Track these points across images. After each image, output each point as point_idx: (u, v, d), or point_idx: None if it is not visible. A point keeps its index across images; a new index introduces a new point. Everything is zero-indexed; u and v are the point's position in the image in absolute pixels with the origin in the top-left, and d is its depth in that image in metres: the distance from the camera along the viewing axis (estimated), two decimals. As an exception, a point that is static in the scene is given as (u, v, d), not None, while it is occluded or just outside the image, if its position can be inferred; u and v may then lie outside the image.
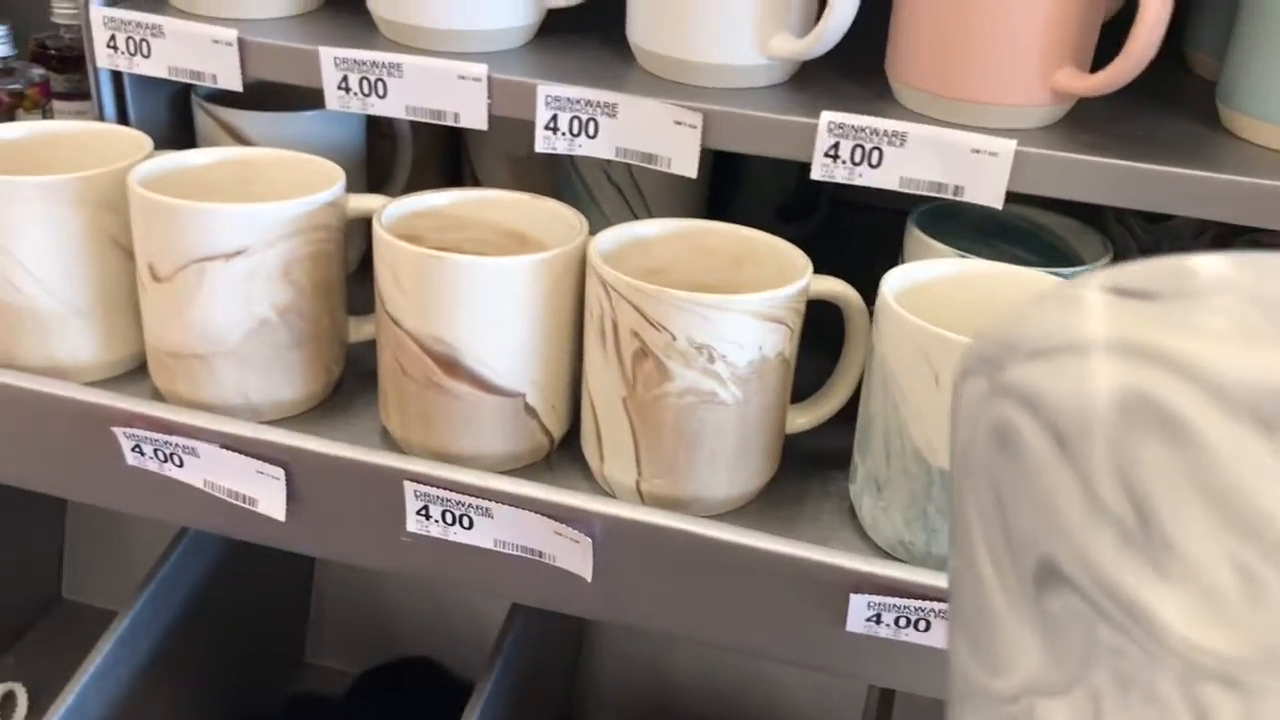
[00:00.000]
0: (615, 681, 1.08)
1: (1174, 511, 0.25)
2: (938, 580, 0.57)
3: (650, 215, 0.84)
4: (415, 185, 0.88)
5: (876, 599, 0.57)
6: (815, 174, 0.65)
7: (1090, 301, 0.27)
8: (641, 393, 0.60)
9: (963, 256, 0.66)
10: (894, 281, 0.60)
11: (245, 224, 0.63)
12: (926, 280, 0.62)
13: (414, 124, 0.86)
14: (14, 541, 1.14)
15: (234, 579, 0.99)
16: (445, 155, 0.96)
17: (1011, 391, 0.28)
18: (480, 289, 0.61)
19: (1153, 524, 0.25)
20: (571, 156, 0.85)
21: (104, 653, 0.86)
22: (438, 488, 0.61)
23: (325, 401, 0.72)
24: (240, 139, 0.79)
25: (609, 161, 0.83)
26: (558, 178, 0.88)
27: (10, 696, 1.04)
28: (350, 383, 0.73)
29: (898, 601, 0.57)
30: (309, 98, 0.77)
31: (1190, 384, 0.25)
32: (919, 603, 0.57)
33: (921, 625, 0.58)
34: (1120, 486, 0.26)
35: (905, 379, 0.57)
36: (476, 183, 0.94)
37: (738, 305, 0.58)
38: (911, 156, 0.64)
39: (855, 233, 0.95)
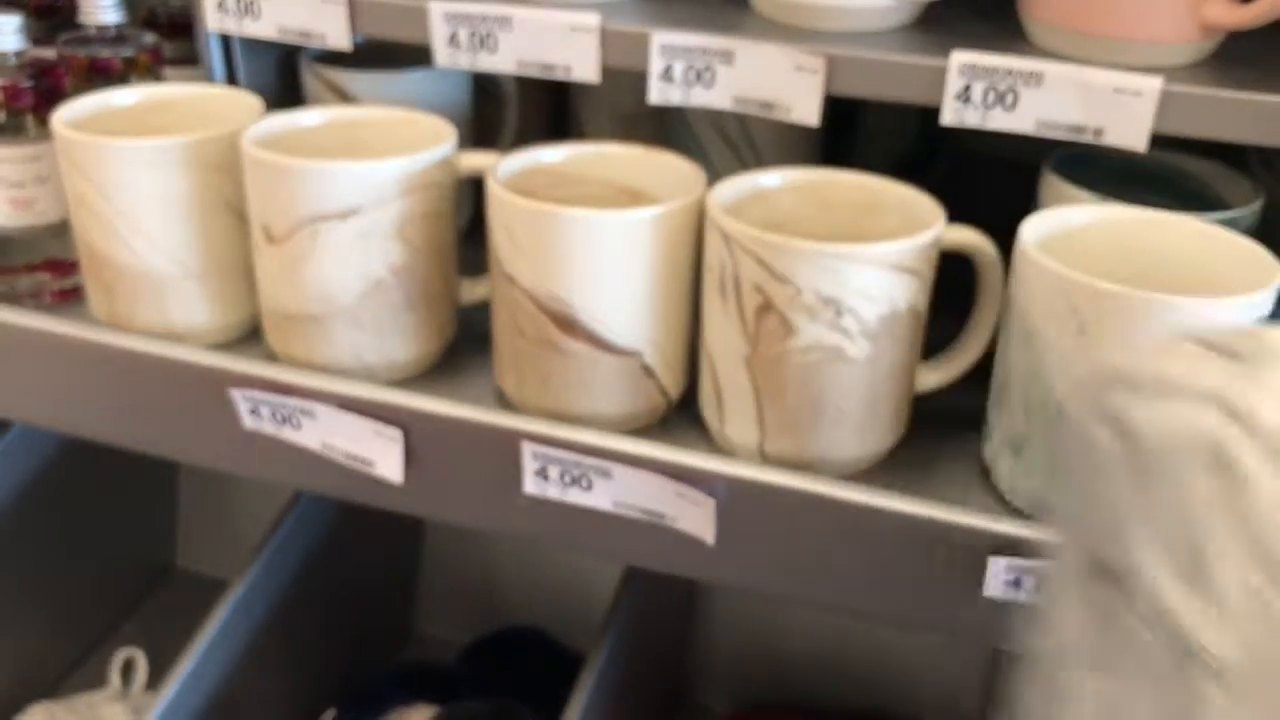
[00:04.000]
0: (726, 650, 1.06)
1: (1214, 538, 0.30)
2: (1084, 543, 0.54)
3: (763, 167, 0.81)
4: (520, 145, 0.87)
5: (1017, 562, 0.54)
6: (945, 119, 0.62)
7: (1187, 354, 0.34)
8: (764, 350, 0.58)
9: (1103, 202, 0.62)
10: (1033, 230, 0.57)
11: (359, 182, 0.62)
12: (1066, 228, 0.59)
13: (520, 83, 0.85)
14: (130, 511, 1.16)
15: (345, 547, 0.99)
16: (550, 115, 0.94)
17: (1107, 415, 0.34)
18: (599, 244, 0.59)
19: (1196, 548, 0.30)
20: (683, 111, 0.82)
21: (220, 620, 0.86)
22: (556, 448, 0.60)
23: (439, 363, 0.71)
24: (348, 99, 0.78)
25: (721, 115, 0.81)
26: (667, 133, 0.85)
27: (130, 662, 1.06)
28: (463, 344, 0.72)
29: (1039, 565, 0.54)
30: (415, 58, 0.76)
31: (1252, 436, 0.30)
32: (1063, 567, 0.54)
33: (1065, 591, 0.55)
34: (1175, 510, 0.31)
35: (1049, 331, 0.54)
36: (582, 140, 0.92)
37: (868, 255, 0.55)
38: (1048, 97, 0.60)
39: (975, 187, 0.91)
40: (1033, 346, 0.55)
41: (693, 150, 0.83)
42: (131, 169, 0.65)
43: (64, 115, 0.68)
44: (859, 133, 0.90)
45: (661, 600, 0.96)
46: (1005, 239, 0.62)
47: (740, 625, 1.06)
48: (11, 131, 0.71)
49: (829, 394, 0.58)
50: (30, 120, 0.71)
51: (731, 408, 0.61)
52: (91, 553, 1.10)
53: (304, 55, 0.80)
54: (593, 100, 0.90)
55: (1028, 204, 0.71)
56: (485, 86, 0.85)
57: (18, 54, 0.71)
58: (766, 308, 0.56)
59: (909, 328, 0.59)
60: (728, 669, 1.07)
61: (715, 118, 0.81)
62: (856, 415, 0.59)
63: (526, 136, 0.87)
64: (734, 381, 0.60)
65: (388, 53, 0.77)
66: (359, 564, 1.04)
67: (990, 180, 0.90)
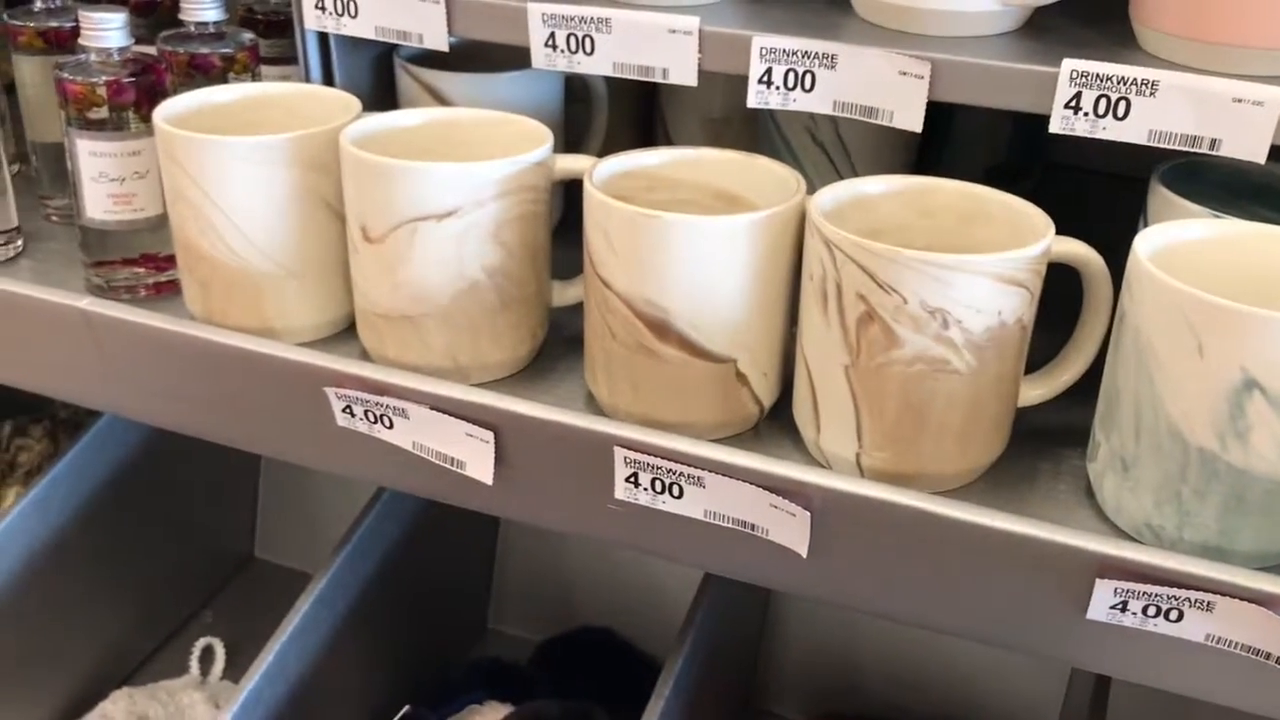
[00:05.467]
0: (799, 657, 1.05)
1: None
2: (1196, 567, 0.52)
3: (854, 172, 0.80)
4: (609, 147, 0.86)
5: (1125, 585, 0.53)
6: (1055, 127, 0.60)
7: None
8: (865, 360, 0.57)
9: (1218, 216, 0.60)
10: (1147, 244, 0.55)
11: (458, 183, 0.62)
12: (1180, 243, 0.57)
13: (608, 84, 0.84)
14: (211, 501, 1.17)
15: (423, 544, 1.00)
16: (639, 117, 0.94)
17: None
18: (696, 249, 0.58)
19: None
20: (773, 115, 0.81)
21: (302, 612, 0.87)
22: (649, 455, 0.59)
23: (530, 365, 0.70)
24: (442, 100, 0.78)
25: (814, 119, 0.80)
26: (758, 138, 0.84)
27: (209, 650, 1.08)
28: (554, 347, 0.72)
29: (1148, 589, 0.53)
30: (508, 59, 0.76)
31: None
32: (1172, 590, 0.53)
33: (1173, 615, 0.53)
34: None
35: (1163, 349, 0.52)
36: (670, 144, 0.91)
37: (977, 266, 0.54)
38: (1162, 107, 0.58)
39: (1069, 197, 0.89)
40: (1145, 364, 0.53)
41: (784, 153, 0.82)
42: (231, 165, 0.66)
43: (166, 111, 0.69)
44: (951, 139, 0.89)
45: (738, 606, 0.96)
46: (1101, 249, 0.60)
47: (814, 632, 1.04)
48: (113, 127, 0.72)
49: (931, 407, 0.57)
50: (132, 116, 0.72)
51: (829, 418, 0.60)
52: (173, 542, 1.12)
53: (398, 55, 0.80)
54: (681, 102, 0.89)
55: (1122, 215, 0.69)
56: (575, 87, 0.85)
57: (121, 51, 0.72)
58: (870, 317, 0.55)
59: (1015, 341, 0.57)
60: (801, 676, 1.06)
61: (807, 121, 0.80)
62: (958, 429, 0.58)
63: (613, 137, 0.87)
64: (832, 391, 0.59)
65: (481, 53, 0.77)
66: (436, 560, 1.04)
67: (1084, 190, 0.88)
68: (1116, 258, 0.60)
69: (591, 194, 0.61)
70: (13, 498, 1.05)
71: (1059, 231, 0.59)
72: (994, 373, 0.57)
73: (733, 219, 0.58)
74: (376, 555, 0.94)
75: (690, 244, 0.58)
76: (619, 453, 0.60)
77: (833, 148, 0.81)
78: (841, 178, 0.80)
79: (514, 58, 0.72)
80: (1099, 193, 0.80)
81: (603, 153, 0.84)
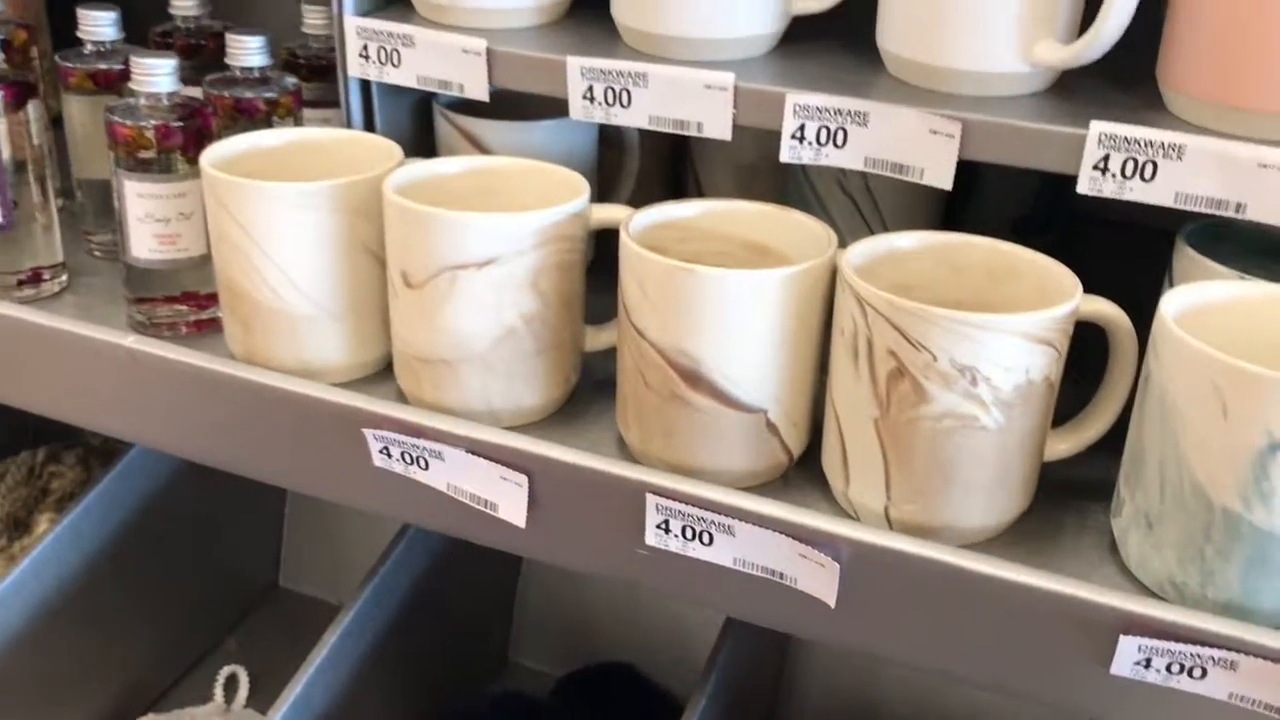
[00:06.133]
0: (819, 701, 1.06)
1: None
2: (1220, 626, 0.53)
3: (885, 226, 0.81)
4: (639, 191, 0.88)
5: (1149, 642, 0.54)
6: (1082, 188, 0.61)
7: None
8: (895, 414, 0.58)
9: (1243, 278, 0.61)
10: (1172, 306, 0.56)
11: (498, 233, 0.63)
12: (1206, 304, 0.58)
13: (640, 132, 0.86)
14: (237, 530, 1.19)
15: (447, 578, 1.01)
16: (669, 162, 0.95)
17: None
18: (730, 302, 0.59)
19: None
20: (803, 165, 0.83)
21: (329, 645, 0.88)
22: (681, 502, 0.60)
23: (562, 409, 0.72)
24: (479, 146, 0.80)
25: (843, 170, 0.81)
26: (786, 186, 0.86)
27: (233, 678, 1.09)
28: (585, 390, 0.73)
29: (1172, 646, 0.54)
30: (543, 106, 0.77)
31: None
32: (1196, 649, 0.53)
33: (1196, 673, 0.54)
34: None
35: (1189, 410, 0.53)
36: (700, 189, 0.93)
37: (1007, 325, 0.55)
38: (1189, 171, 0.60)
39: (1094, 248, 0.90)
40: (1170, 424, 0.54)
41: (812, 202, 0.84)
42: (277, 210, 0.67)
43: (213, 156, 0.71)
44: (977, 190, 0.90)
45: (760, 648, 0.96)
46: (1127, 301, 0.61)
47: (835, 675, 1.05)
48: (160, 169, 0.74)
49: (960, 461, 0.58)
50: (179, 159, 0.74)
51: (858, 470, 0.61)
52: (198, 570, 1.13)
53: (437, 101, 0.82)
54: (711, 150, 0.91)
55: (1147, 267, 0.70)
56: (607, 132, 0.87)
57: (170, 95, 0.74)
58: (900, 373, 0.57)
59: (1042, 397, 0.58)
60: (821, 718, 1.06)
61: (838, 172, 0.82)
62: (986, 484, 0.59)
63: (644, 180, 0.89)
64: (862, 444, 0.60)
65: (517, 100, 0.79)
66: (459, 594, 1.05)
67: (1109, 243, 0.89)
68: (1141, 311, 0.62)
69: (628, 245, 0.62)
70: (45, 523, 1.07)
71: (1084, 282, 0.60)
72: (1021, 429, 0.58)
73: (766, 273, 0.59)
74: (402, 589, 0.95)
75: (724, 297, 0.59)
76: (650, 499, 0.61)
77: (861, 198, 0.82)
78: (869, 227, 0.82)
79: (550, 105, 0.74)
80: (1124, 244, 0.81)
81: (634, 197, 0.87)
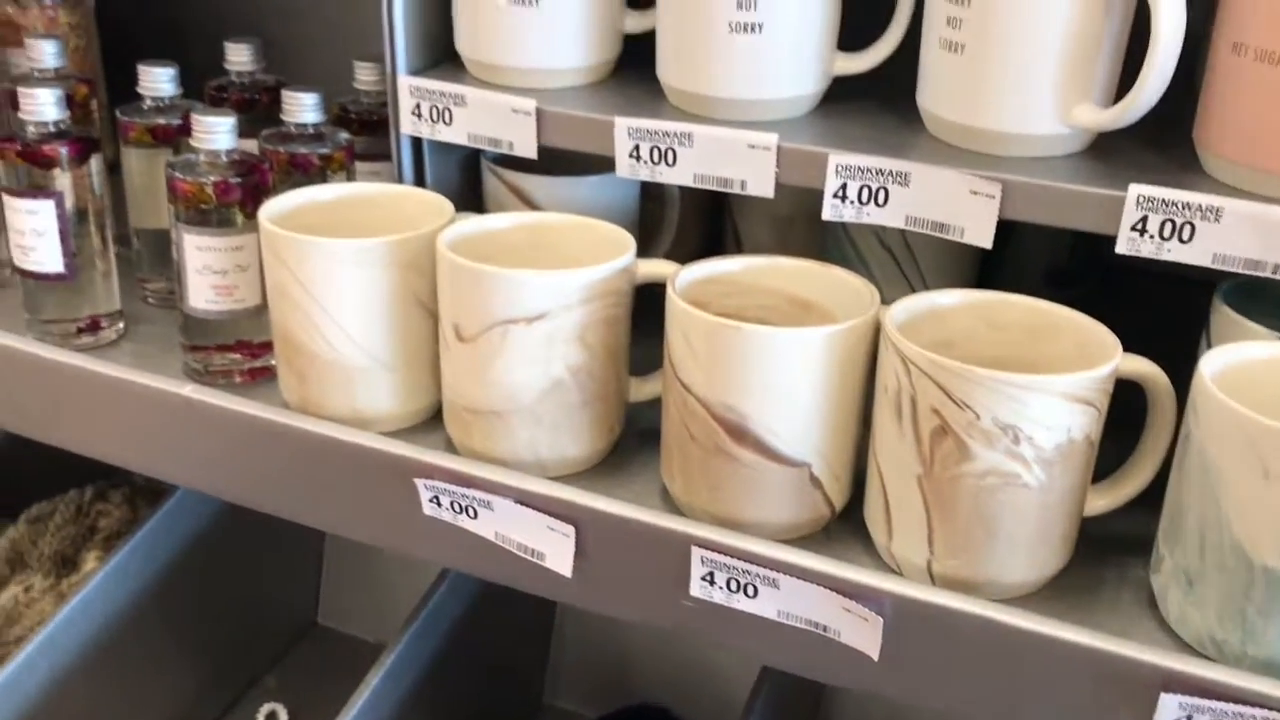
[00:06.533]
0: (854, 746, 1.06)
1: None
2: (1261, 684, 0.54)
3: (923, 279, 0.83)
4: (678, 242, 0.90)
5: (1190, 700, 0.54)
6: (1120, 249, 0.63)
7: None
8: (939, 471, 0.59)
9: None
10: (1211, 366, 0.58)
11: (549, 290, 0.65)
12: (1245, 363, 0.59)
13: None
14: (277, 570, 1.20)
15: (486, 619, 1.02)
16: (708, 212, 0.97)
17: None
18: (775, 360, 0.61)
19: None
20: (843, 219, 0.84)
21: (371, 686, 0.90)
22: (725, 555, 0.62)
23: (607, 459, 0.73)
24: (526, 200, 0.82)
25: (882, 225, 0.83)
26: (825, 238, 0.87)
27: (273, 716, 1.10)
28: (630, 440, 0.75)
29: (1214, 705, 0.54)
30: (588, 161, 0.79)
31: None
32: (1237, 707, 0.54)
33: (1238, 731, 0.55)
34: None
35: (1229, 471, 0.54)
36: (739, 240, 0.95)
37: (1049, 386, 0.56)
38: (1226, 232, 0.61)
39: (1129, 299, 0.91)
40: (1210, 484, 0.55)
41: (850, 256, 0.85)
42: (335, 266, 0.69)
43: (270, 211, 0.73)
44: (1013, 242, 0.91)
45: (796, 690, 0.97)
46: (1162, 353, 0.62)
47: (867, 714, 1.05)
48: (219, 223, 0.76)
49: (1002, 518, 0.59)
50: (237, 213, 0.76)
51: (901, 525, 0.62)
52: (240, 608, 1.15)
53: (485, 156, 0.84)
54: (750, 202, 0.93)
55: (1184, 318, 0.71)
56: (649, 185, 0.88)
57: (228, 152, 0.76)
58: (943, 431, 0.58)
59: (1083, 456, 0.59)
60: (854, 764, 1.07)
61: (877, 226, 0.83)
62: (1027, 540, 0.60)
63: (683, 230, 0.91)
64: (905, 499, 0.61)
65: (560, 155, 0.81)
66: (499, 635, 1.07)
67: (1145, 294, 0.90)
68: (1177, 361, 0.63)
69: (674, 302, 0.64)
70: (92, 561, 1.09)
71: (1120, 332, 0.61)
72: (1062, 486, 0.59)
73: (811, 331, 0.61)
74: (442, 630, 0.97)
75: (769, 354, 0.61)
76: (696, 552, 0.62)
77: (899, 251, 0.83)
78: (907, 280, 0.84)
79: (594, 158, 0.76)
80: (1162, 294, 0.83)
81: (674, 246, 0.88)
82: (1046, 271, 0.92)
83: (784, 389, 0.62)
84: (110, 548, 1.09)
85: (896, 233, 0.83)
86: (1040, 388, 0.56)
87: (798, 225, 0.91)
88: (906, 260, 0.84)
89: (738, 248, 0.94)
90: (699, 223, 0.97)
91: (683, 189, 0.89)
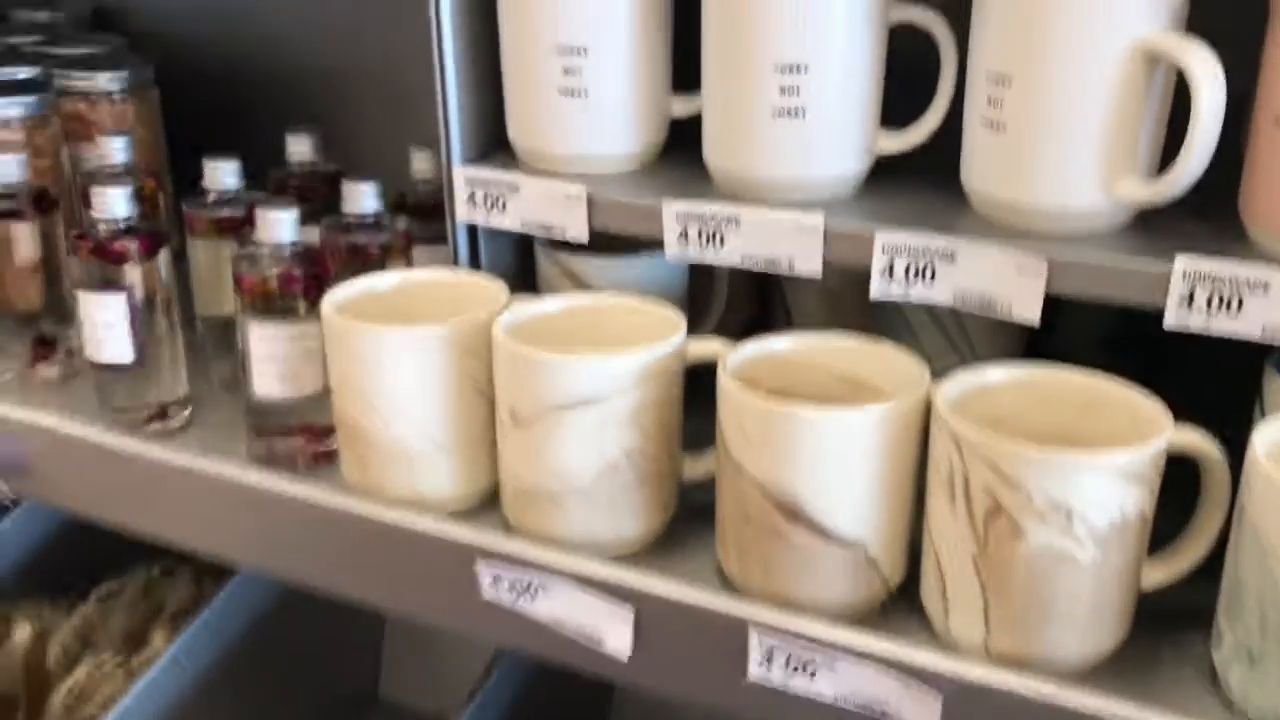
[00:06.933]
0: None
1: None
2: (1329, 765, 0.53)
3: (973, 350, 0.83)
4: (729, 313, 0.91)
5: (1257, 781, 0.54)
6: (1169, 322, 0.63)
7: None
8: (993, 550, 0.59)
9: (1336, 409, 0.62)
10: (1264, 439, 0.58)
11: (602, 375, 0.67)
12: (1299, 436, 0.59)
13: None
14: (339, 644, 1.22)
15: (543, 697, 1.03)
16: (758, 284, 0.98)
17: None
18: (828, 441, 0.62)
19: None
20: (891, 294, 0.85)
21: (434, 760, 0.90)
22: (783, 636, 0.62)
23: (661, 537, 0.74)
24: (578, 280, 0.84)
25: (929, 297, 0.84)
26: (875, 310, 0.88)
27: (336, 789, 1.11)
28: (684, 517, 0.75)
29: (1281, 785, 0.54)
30: (639, 240, 0.81)
31: None
32: (1305, 787, 0.54)
33: (1307, 811, 0.54)
34: None
35: (1286, 547, 0.54)
36: (788, 312, 0.96)
37: (1100, 464, 0.56)
38: (1276, 304, 0.61)
39: (1181, 367, 0.91)
40: (1267, 561, 0.55)
41: (900, 328, 0.86)
42: (393, 353, 0.72)
43: (333, 300, 0.75)
44: (1066, 310, 0.91)
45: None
46: (1218, 418, 0.62)
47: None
48: (282, 313, 0.79)
49: (1057, 596, 0.59)
50: (300, 302, 0.79)
51: (957, 603, 0.62)
52: (302, 682, 1.17)
53: (538, 240, 0.86)
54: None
55: (1236, 386, 0.71)
56: (693, 265, 0.90)
57: (292, 244, 0.79)
58: (997, 510, 0.58)
59: (1136, 532, 0.59)
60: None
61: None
62: (1083, 617, 0.60)
63: (733, 300, 0.92)
64: (961, 578, 0.61)
65: (610, 234, 0.82)
66: (557, 711, 1.07)
67: (1196, 361, 0.90)
68: (1230, 427, 0.63)
69: (726, 385, 0.65)
70: (160, 639, 1.11)
71: (1174, 400, 0.61)
72: (1117, 563, 0.59)
73: (861, 411, 0.62)
74: (503, 705, 0.98)
75: (821, 436, 0.62)
76: (753, 633, 0.63)
77: (949, 323, 0.84)
78: (957, 350, 0.84)
79: (645, 238, 0.78)
80: (1213, 360, 0.82)
81: (724, 317, 0.90)
82: (1100, 339, 0.92)
83: (836, 469, 0.62)
84: (177, 625, 1.11)
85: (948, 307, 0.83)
86: (1092, 466, 0.56)
87: (847, 296, 0.91)
88: (956, 332, 0.84)
89: (787, 319, 0.95)
90: (749, 294, 0.98)
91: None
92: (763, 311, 1.00)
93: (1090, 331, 0.92)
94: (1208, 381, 0.71)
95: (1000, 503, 0.58)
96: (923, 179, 0.76)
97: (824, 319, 0.87)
